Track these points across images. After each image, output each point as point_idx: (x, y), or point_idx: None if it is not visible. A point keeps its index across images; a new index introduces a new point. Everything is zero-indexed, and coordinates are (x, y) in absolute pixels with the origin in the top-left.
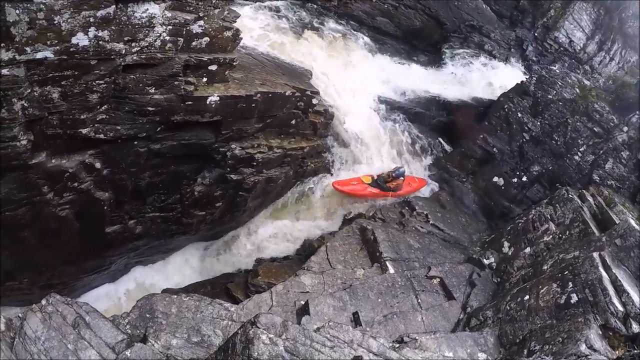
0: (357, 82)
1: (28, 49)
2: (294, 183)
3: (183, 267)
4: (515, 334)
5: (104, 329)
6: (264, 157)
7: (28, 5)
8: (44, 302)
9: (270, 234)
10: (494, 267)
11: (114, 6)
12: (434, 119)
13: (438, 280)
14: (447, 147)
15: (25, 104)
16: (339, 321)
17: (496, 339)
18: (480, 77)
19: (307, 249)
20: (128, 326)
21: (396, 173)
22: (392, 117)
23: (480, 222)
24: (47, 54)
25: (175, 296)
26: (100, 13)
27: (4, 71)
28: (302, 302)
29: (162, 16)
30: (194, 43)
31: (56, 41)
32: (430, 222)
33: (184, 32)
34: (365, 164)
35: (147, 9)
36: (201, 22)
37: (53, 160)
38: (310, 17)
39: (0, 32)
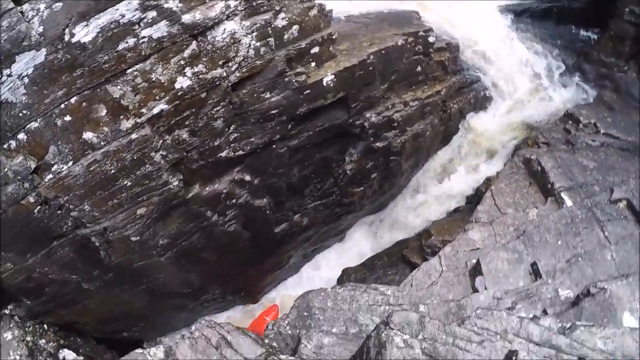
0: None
1: (144, 110)
2: (442, 131)
3: (358, 244)
4: None
5: (244, 345)
6: (403, 114)
7: (123, 78)
8: (192, 327)
9: (435, 195)
10: None
11: (194, 42)
12: (565, 9)
13: (624, 202)
14: (593, 36)
15: (163, 153)
16: (517, 277)
17: None
18: None
19: (476, 195)
20: (288, 327)
21: None
22: (519, 25)
23: None
24: (161, 106)
25: (330, 289)
26: (186, 53)
27: (133, 136)
28: (474, 261)
29: (242, 27)
30: (285, 36)
31: (163, 93)
32: (602, 131)
33: (271, 31)
34: (509, 86)
35: (225, 29)
36: (282, 15)
37: (206, 188)
38: None
39: (115, 107)
